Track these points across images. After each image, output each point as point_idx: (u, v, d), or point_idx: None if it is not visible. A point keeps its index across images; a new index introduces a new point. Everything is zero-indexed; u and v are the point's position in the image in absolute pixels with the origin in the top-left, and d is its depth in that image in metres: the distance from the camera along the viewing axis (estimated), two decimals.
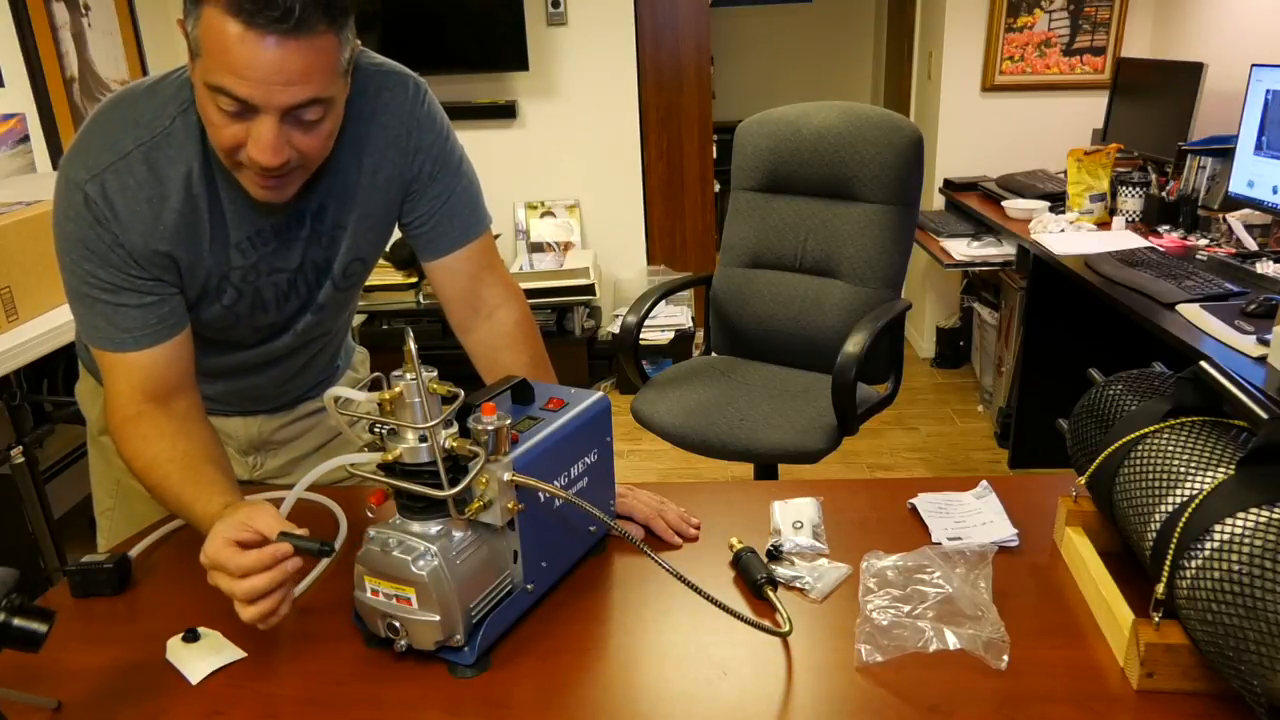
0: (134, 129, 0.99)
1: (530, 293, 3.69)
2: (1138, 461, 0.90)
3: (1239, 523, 0.75)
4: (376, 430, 0.89)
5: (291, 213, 1.09)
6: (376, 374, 0.92)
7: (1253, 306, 1.91)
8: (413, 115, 1.12)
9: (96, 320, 1.04)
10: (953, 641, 0.88)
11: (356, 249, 1.16)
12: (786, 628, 0.91)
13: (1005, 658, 0.86)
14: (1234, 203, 2.50)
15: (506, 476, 0.86)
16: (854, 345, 1.86)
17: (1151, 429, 0.91)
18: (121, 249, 1.00)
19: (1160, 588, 0.80)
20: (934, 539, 1.07)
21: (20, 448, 2.12)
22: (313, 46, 0.88)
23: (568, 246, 3.95)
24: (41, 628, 0.77)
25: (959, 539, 1.06)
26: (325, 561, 1.02)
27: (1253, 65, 2.45)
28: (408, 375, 0.84)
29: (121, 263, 1.01)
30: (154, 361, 1.05)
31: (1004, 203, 3.12)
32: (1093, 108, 3.49)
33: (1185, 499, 0.81)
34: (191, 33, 0.90)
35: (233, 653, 0.92)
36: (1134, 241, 2.59)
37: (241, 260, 1.09)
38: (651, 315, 2.22)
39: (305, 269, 1.15)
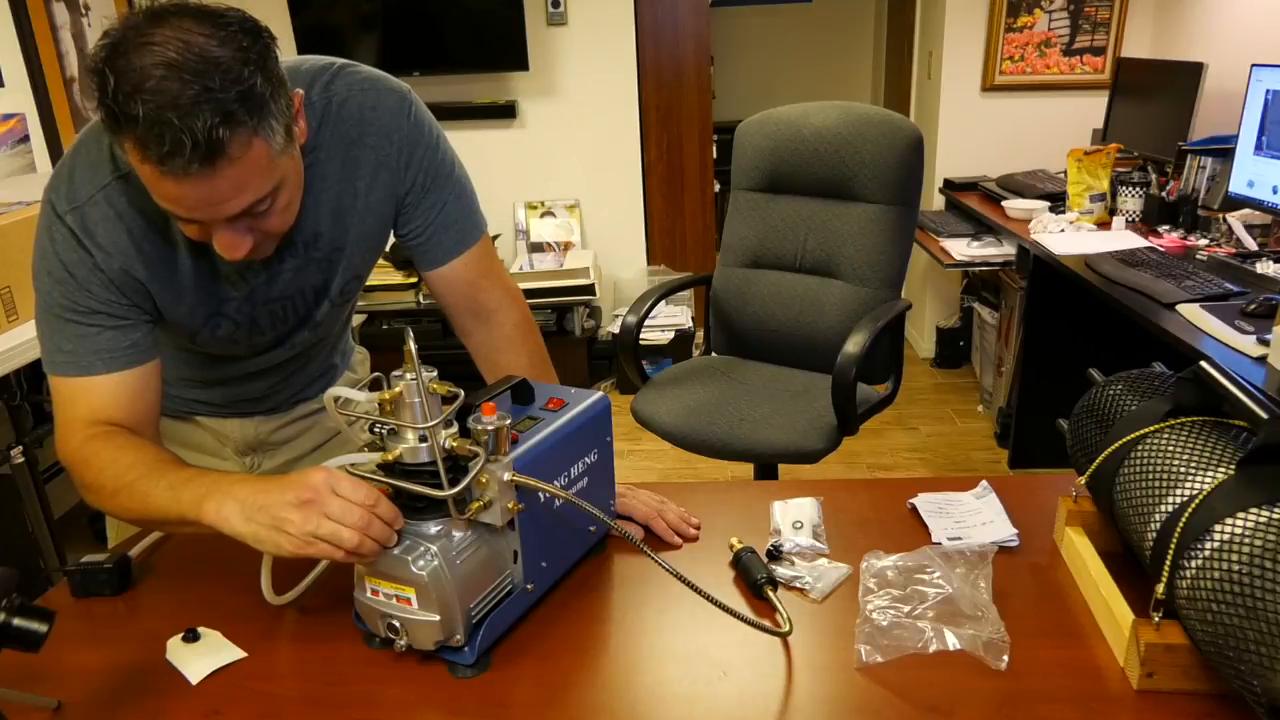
0: (114, 160, 0.98)
1: (530, 293, 3.69)
2: (1138, 461, 0.90)
3: (1239, 523, 0.75)
4: (376, 430, 0.89)
5: (282, 244, 1.06)
6: (376, 374, 0.92)
7: (1253, 306, 1.91)
8: (401, 130, 1.10)
9: (64, 343, 1.01)
10: (952, 642, 0.88)
11: (354, 268, 1.16)
12: (786, 628, 0.91)
13: (1005, 658, 0.86)
14: (1234, 203, 2.50)
15: (506, 476, 0.86)
16: (854, 345, 1.86)
17: (1151, 429, 0.91)
18: (101, 273, 1.00)
19: (1160, 588, 0.80)
20: (934, 539, 1.07)
21: (20, 448, 2.12)
22: (235, 164, 0.85)
23: (568, 246, 3.95)
24: (41, 628, 0.77)
25: (959, 539, 1.06)
26: (325, 561, 1.02)
27: (1253, 65, 2.45)
28: (408, 375, 0.84)
29: (100, 286, 1.00)
30: (120, 389, 1.02)
31: (1004, 203, 3.12)
32: (1093, 108, 3.49)
33: (1185, 499, 0.81)
34: (119, 156, 0.90)
35: (233, 653, 0.92)
36: (1134, 241, 2.59)
37: (234, 292, 1.08)
38: (651, 315, 2.22)
39: (303, 294, 1.14)
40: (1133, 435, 0.92)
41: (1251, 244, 2.42)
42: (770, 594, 0.97)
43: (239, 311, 1.10)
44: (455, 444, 0.86)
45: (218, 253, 0.95)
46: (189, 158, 0.81)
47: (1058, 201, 3.06)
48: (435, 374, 0.86)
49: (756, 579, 0.98)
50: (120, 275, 1.00)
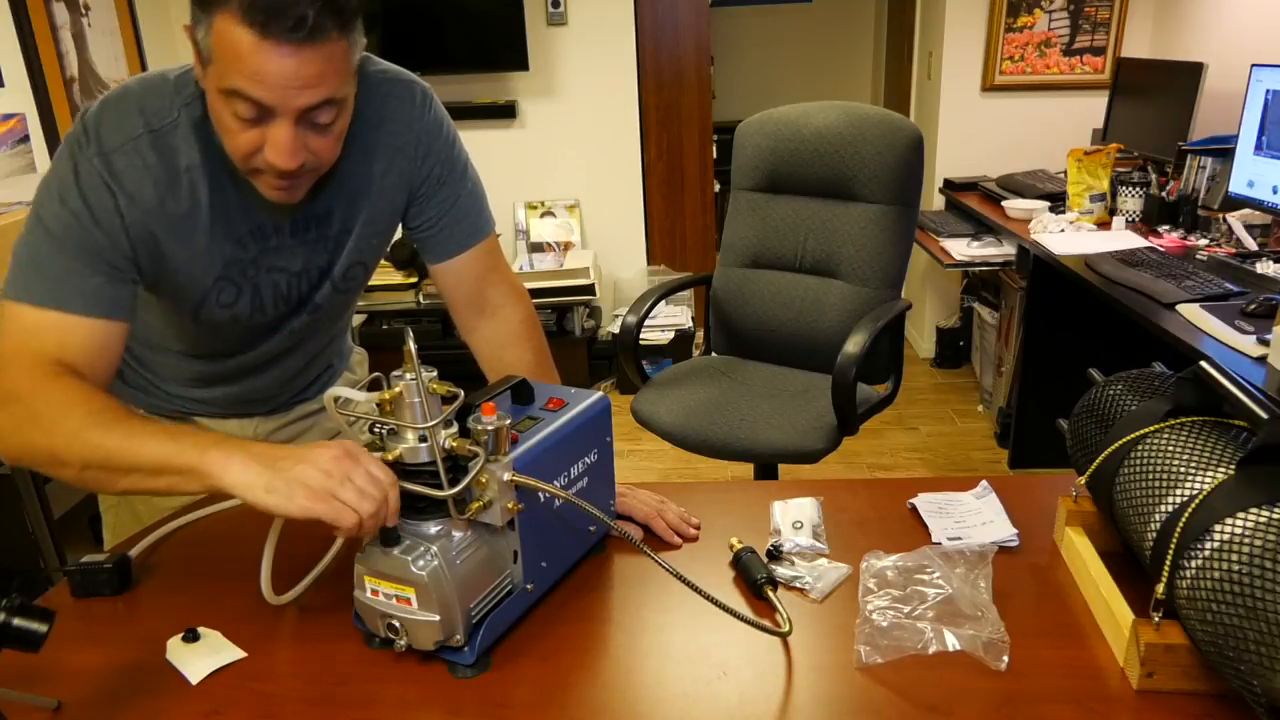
0: (142, 116, 0.99)
1: (530, 293, 3.67)
2: (1138, 461, 0.90)
3: (1239, 523, 0.75)
4: (376, 430, 0.89)
5: (296, 215, 1.09)
6: (376, 374, 0.92)
7: (1253, 306, 1.91)
8: (420, 121, 1.14)
9: (51, 270, 0.96)
10: (952, 643, 0.88)
11: (359, 253, 1.17)
12: (786, 628, 0.91)
13: (1005, 658, 0.86)
14: (1234, 203, 2.50)
15: (506, 476, 0.86)
16: (854, 345, 1.86)
17: (1151, 429, 0.91)
18: (120, 218, 0.98)
19: (1160, 588, 0.80)
20: (934, 539, 1.07)
21: None
22: (325, 53, 0.90)
23: (568, 246, 3.95)
24: (41, 628, 0.77)
25: (959, 539, 1.06)
26: (325, 561, 1.02)
27: (1253, 65, 2.45)
28: (408, 375, 0.84)
29: (112, 230, 0.98)
30: (92, 336, 0.98)
31: (1004, 203, 3.12)
32: (1093, 108, 3.49)
33: (1185, 499, 0.81)
34: (202, 40, 0.91)
35: (233, 653, 0.92)
36: (1134, 241, 2.59)
37: (241, 254, 1.08)
38: (651, 315, 2.22)
39: (308, 272, 1.15)
40: (1133, 435, 0.92)
41: (1251, 244, 2.42)
42: (770, 594, 0.97)
43: (243, 276, 1.10)
44: (455, 444, 0.86)
45: (264, 171, 0.96)
46: (292, 27, 0.86)
47: (1058, 201, 3.06)
48: (435, 374, 0.86)
49: (756, 579, 0.98)
50: (137, 226, 1.00)
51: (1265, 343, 1.74)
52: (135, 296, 1.03)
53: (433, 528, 0.87)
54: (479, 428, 0.86)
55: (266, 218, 1.07)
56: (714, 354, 2.40)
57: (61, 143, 1.00)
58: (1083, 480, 0.99)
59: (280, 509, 0.83)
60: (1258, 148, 2.41)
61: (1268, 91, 2.38)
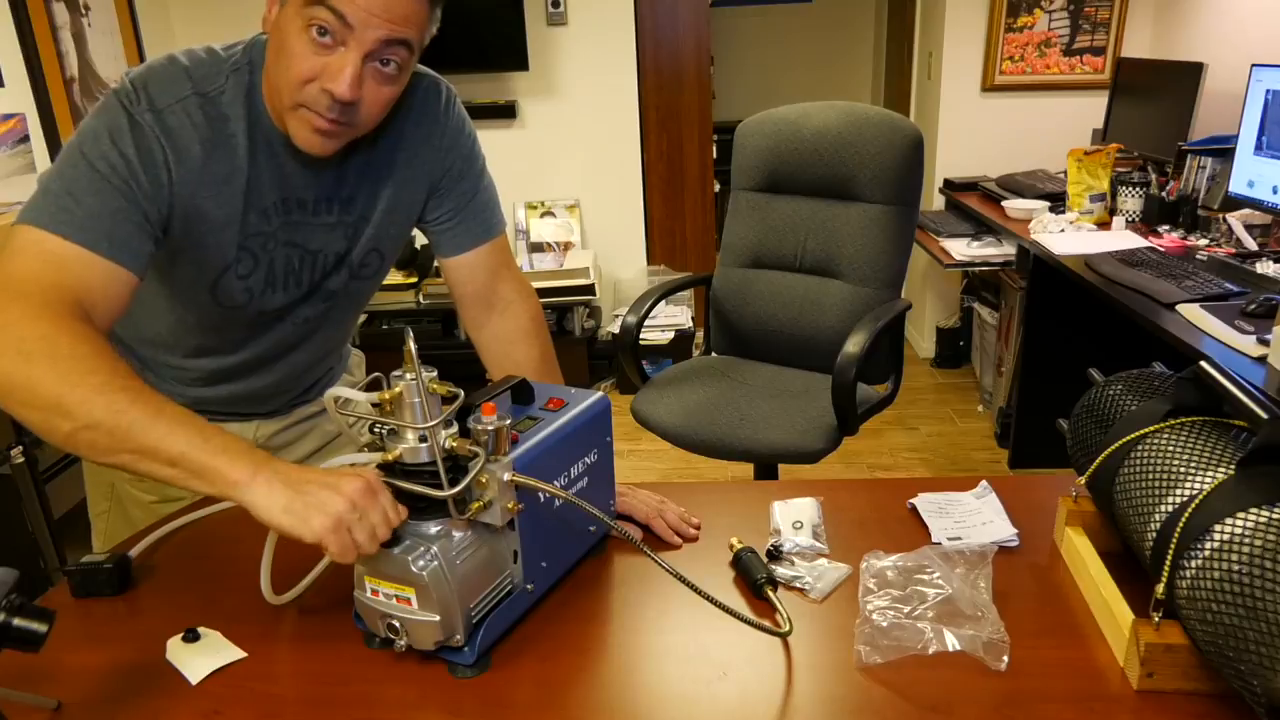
0: (189, 81, 1.00)
1: None
2: (1138, 461, 0.90)
3: (1239, 523, 0.75)
4: (376, 430, 0.89)
5: (320, 194, 1.11)
6: (376, 374, 0.92)
7: (1253, 306, 1.91)
8: (446, 116, 1.18)
9: (88, 204, 0.93)
10: (952, 643, 0.88)
11: (376, 240, 1.18)
12: (786, 628, 0.91)
13: (1005, 658, 0.86)
14: (1234, 203, 2.51)
15: (506, 476, 0.86)
16: (854, 345, 1.86)
17: (1151, 429, 0.91)
18: (167, 173, 0.98)
19: (1160, 588, 0.80)
20: (934, 539, 1.07)
21: (20, 448, 2.12)
22: (416, 2, 0.95)
23: (568, 246, 3.95)
24: (41, 628, 0.77)
25: (959, 539, 1.06)
26: (325, 561, 1.02)
27: (1253, 65, 2.45)
28: (408, 375, 0.84)
29: (155, 182, 0.98)
30: (112, 284, 0.95)
31: (1004, 203, 3.12)
32: (1093, 108, 3.49)
33: (1185, 499, 0.81)
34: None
35: (233, 653, 0.92)
36: (1134, 241, 2.59)
37: (264, 225, 1.09)
38: (651, 315, 2.22)
39: (324, 255, 1.16)
40: (1133, 435, 0.92)
41: (1251, 244, 2.42)
42: (770, 594, 0.97)
43: (261, 248, 1.10)
44: (455, 444, 0.86)
45: (311, 107, 0.97)
46: None
47: (1058, 201, 3.07)
48: (435, 374, 0.86)
49: (756, 579, 0.98)
50: (180, 185, 1.00)
51: (1265, 343, 1.74)
52: (149, 255, 1.00)
53: (433, 528, 0.87)
54: (479, 428, 0.86)
55: (293, 192, 1.09)
56: (714, 354, 2.40)
57: (105, 97, 0.99)
58: (1083, 480, 0.99)
59: (292, 530, 0.82)
60: (1258, 148, 2.41)
61: (1268, 91, 2.38)
